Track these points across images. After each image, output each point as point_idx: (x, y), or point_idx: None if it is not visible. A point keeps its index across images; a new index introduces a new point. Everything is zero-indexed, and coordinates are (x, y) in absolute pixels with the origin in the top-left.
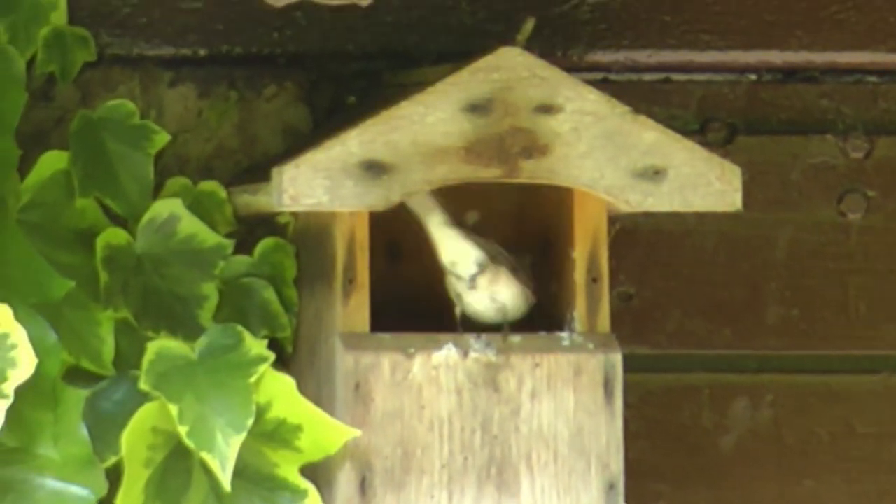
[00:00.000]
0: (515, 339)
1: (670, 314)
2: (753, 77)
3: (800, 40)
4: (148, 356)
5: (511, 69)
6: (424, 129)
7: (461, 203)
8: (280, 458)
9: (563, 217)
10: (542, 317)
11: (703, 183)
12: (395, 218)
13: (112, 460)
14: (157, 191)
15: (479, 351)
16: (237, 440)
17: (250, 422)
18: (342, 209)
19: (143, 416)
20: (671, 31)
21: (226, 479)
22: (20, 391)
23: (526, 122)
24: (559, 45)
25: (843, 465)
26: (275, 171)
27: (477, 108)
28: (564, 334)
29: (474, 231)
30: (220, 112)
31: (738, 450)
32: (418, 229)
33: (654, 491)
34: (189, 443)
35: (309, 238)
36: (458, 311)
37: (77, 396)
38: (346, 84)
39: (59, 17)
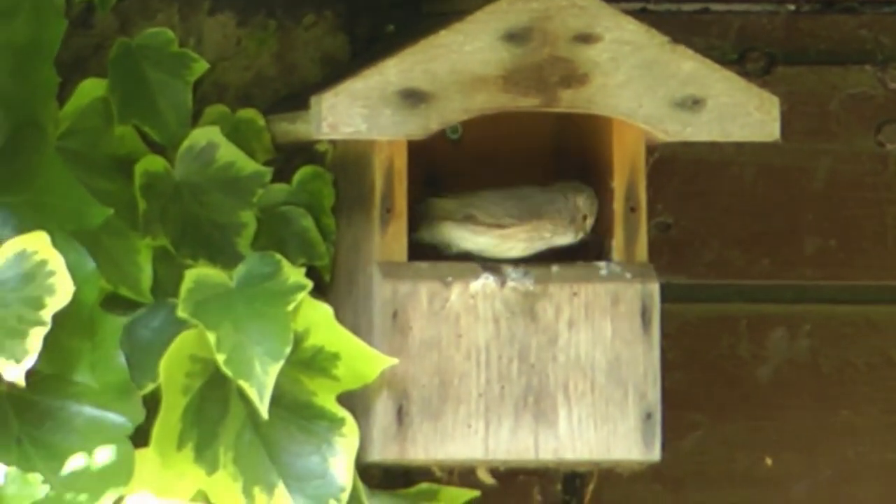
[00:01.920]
0: (553, 268)
1: (708, 244)
2: (792, 7)
3: None
4: (186, 284)
5: None
6: (463, 58)
7: (499, 133)
8: (317, 387)
9: (602, 147)
10: (580, 246)
11: (741, 113)
12: (433, 147)
13: (150, 388)
14: (195, 119)
15: (517, 280)
16: (275, 368)
17: (288, 350)
18: (380, 137)
19: (181, 344)
20: None
21: (263, 407)
22: (58, 318)
23: (564, 51)
24: None
25: (880, 394)
26: (313, 100)
27: (515, 37)
28: (602, 264)
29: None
30: (259, 40)
31: (775, 380)
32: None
33: (691, 421)
34: (227, 371)
35: (347, 166)
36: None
37: (115, 324)
38: (385, 13)
39: None
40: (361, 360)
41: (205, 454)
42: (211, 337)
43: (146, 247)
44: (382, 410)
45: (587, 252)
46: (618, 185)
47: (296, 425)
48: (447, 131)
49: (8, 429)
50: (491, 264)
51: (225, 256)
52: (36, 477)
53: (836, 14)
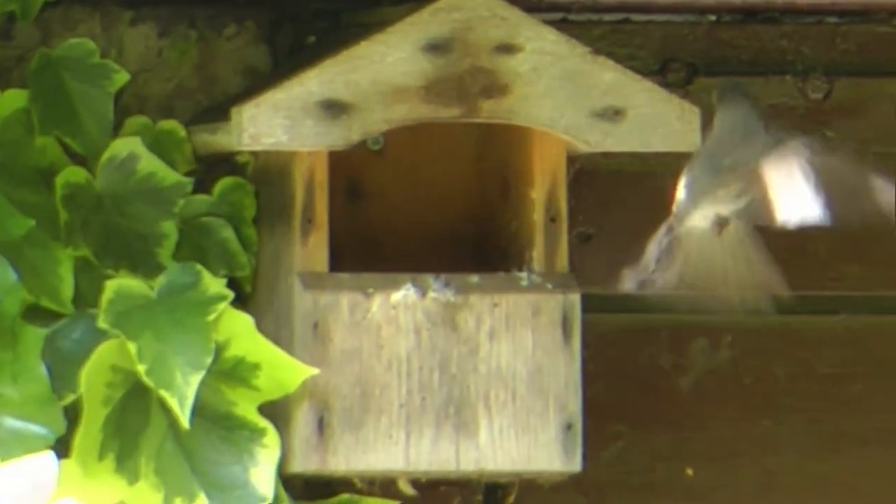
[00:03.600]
0: (474, 279)
1: (629, 254)
2: (713, 17)
3: None
4: (107, 294)
5: (471, 9)
6: (384, 69)
7: (420, 143)
8: (238, 397)
9: (523, 157)
10: (501, 256)
11: (662, 123)
12: (355, 157)
13: (71, 398)
14: (116, 130)
15: (438, 291)
16: (196, 378)
17: (209, 360)
18: (302, 148)
19: (102, 355)
20: None
21: (185, 418)
22: None
23: (486, 61)
24: None
25: (802, 405)
26: (235, 111)
27: (437, 48)
28: (523, 274)
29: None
30: (181, 51)
31: (697, 390)
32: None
33: (612, 431)
34: (148, 381)
35: (268, 177)
36: None
37: (36, 335)
38: (307, 24)
39: None
40: (282, 370)
41: (126, 464)
42: (132, 347)
43: (68, 258)
44: (303, 421)
45: (508, 262)
46: (538, 195)
47: (217, 435)
48: (368, 142)
49: None
50: (413, 275)
51: (146, 267)
52: None
53: (756, 24)
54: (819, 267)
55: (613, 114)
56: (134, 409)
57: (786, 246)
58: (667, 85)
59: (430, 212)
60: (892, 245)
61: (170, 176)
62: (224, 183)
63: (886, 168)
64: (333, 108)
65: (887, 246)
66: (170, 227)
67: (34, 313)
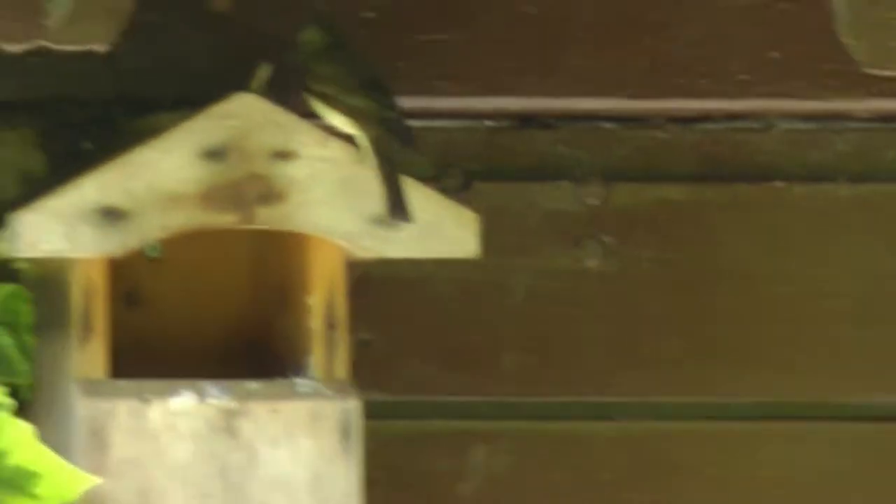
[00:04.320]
0: (252, 385)
1: (407, 361)
2: (490, 123)
3: (535, 86)
4: None
5: (247, 115)
6: (160, 176)
7: (197, 249)
8: None
9: (300, 263)
10: (280, 363)
11: (440, 229)
12: (132, 264)
13: None
14: None
15: (217, 397)
16: None
17: None
18: (80, 255)
19: None
20: (407, 78)
21: None
22: None
23: (262, 168)
24: (295, 91)
25: None
26: (11, 217)
27: (213, 155)
28: (301, 380)
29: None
30: None
31: (476, 497)
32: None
33: None
34: None
35: (46, 284)
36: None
37: None
38: (83, 130)
39: None
40: (63, 479)
41: None
42: None
43: None
44: None
45: (287, 369)
46: (317, 301)
47: None
48: (146, 249)
49: None
50: (191, 381)
51: None
52: None
53: (533, 130)
54: (596, 373)
55: (391, 220)
56: None
57: (563, 351)
58: (444, 191)
59: (208, 318)
60: (667, 350)
61: None
62: (2, 290)
63: (665, 275)
64: (111, 215)
65: (663, 351)
66: None
67: None
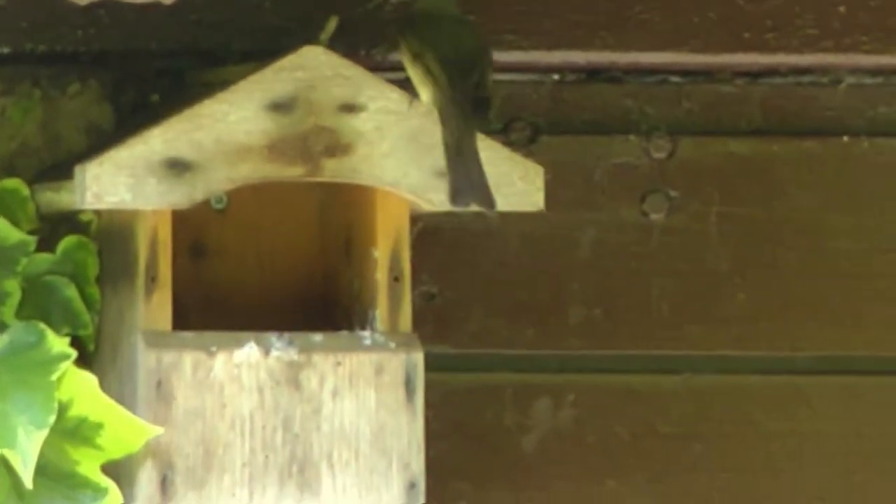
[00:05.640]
0: (317, 338)
1: (472, 314)
2: (556, 77)
3: (603, 40)
4: None
5: (314, 68)
6: (227, 128)
7: (263, 201)
8: (81, 456)
9: (365, 216)
10: (345, 315)
11: (505, 183)
12: (198, 216)
13: None
14: None
15: (281, 349)
16: (39, 437)
17: (52, 419)
18: (145, 207)
19: None
20: None
21: (27, 476)
22: None
23: (329, 120)
24: (363, 44)
25: (645, 464)
26: (77, 169)
27: (280, 107)
28: (366, 333)
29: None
30: (24, 110)
31: (540, 450)
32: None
33: (455, 490)
34: None
35: (112, 236)
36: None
37: None
38: (150, 82)
39: None
40: (126, 429)
41: None
42: None
43: None
44: (147, 480)
45: (351, 321)
46: (381, 254)
47: (60, 494)
48: (212, 201)
49: None
50: (256, 334)
51: None
52: None
53: (600, 84)
54: (661, 327)
55: None
56: None
57: (629, 305)
58: (510, 144)
59: (273, 271)
60: (733, 305)
61: (13, 234)
62: (67, 242)
63: (731, 229)
64: (177, 167)
65: (728, 306)
66: (13, 286)
67: None
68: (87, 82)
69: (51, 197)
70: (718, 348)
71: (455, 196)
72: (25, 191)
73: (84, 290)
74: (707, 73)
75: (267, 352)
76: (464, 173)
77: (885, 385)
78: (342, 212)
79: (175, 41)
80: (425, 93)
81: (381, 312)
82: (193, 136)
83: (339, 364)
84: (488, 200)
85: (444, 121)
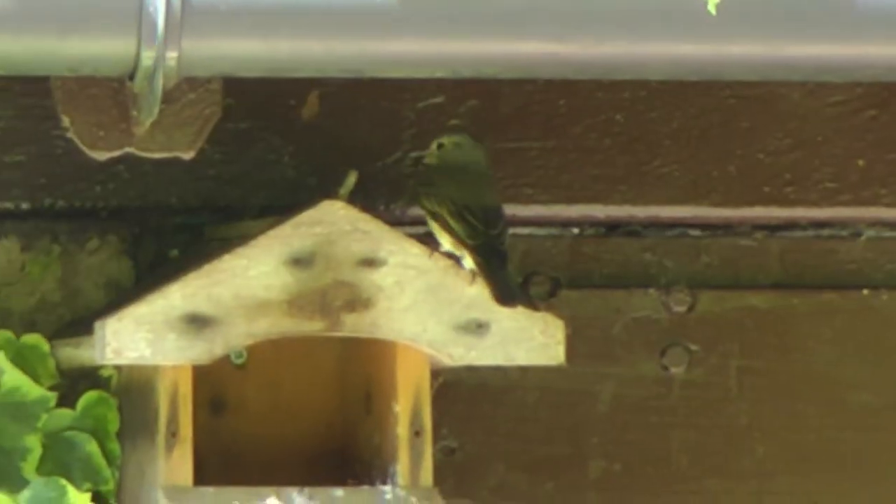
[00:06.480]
0: (338, 493)
1: (493, 468)
2: (576, 231)
3: (622, 194)
4: None
5: (333, 222)
6: (247, 283)
7: (283, 355)
8: None
9: (386, 370)
10: (365, 469)
11: (525, 337)
12: (218, 371)
13: None
14: None
15: None
16: None
17: None
18: (165, 363)
19: None
20: None
21: None
22: None
23: (348, 275)
24: (382, 198)
25: None
26: (97, 325)
27: (299, 262)
28: (387, 488)
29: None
30: (43, 265)
31: None
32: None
33: None
34: None
35: (132, 391)
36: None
37: None
38: (169, 237)
39: None
40: None
41: None
42: None
43: None
44: None
45: (372, 476)
46: (402, 409)
47: None
48: (231, 356)
49: None
50: (277, 489)
51: (10, 482)
52: None
53: (619, 238)
54: (681, 480)
55: (477, 327)
56: None
57: (649, 459)
58: (530, 297)
59: (293, 425)
60: (752, 459)
61: (33, 390)
62: (88, 397)
63: (750, 383)
64: (196, 322)
65: (747, 460)
66: (34, 441)
67: None
68: (106, 238)
69: (71, 352)
70: (738, 502)
71: (502, 299)
72: (46, 346)
73: (105, 445)
74: (726, 227)
75: None
76: (503, 282)
77: None
78: (362, 366)
79: (193, 196)
80: (446, 241)
81: (402, 467)
82: (212, 292)
83: None
84: (531, 304)
85: (471, 252)
